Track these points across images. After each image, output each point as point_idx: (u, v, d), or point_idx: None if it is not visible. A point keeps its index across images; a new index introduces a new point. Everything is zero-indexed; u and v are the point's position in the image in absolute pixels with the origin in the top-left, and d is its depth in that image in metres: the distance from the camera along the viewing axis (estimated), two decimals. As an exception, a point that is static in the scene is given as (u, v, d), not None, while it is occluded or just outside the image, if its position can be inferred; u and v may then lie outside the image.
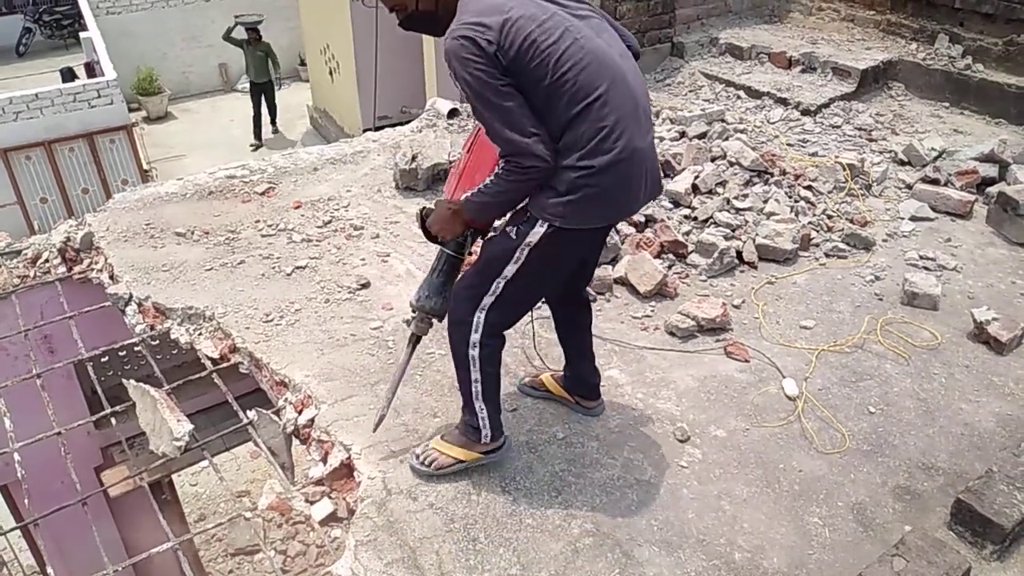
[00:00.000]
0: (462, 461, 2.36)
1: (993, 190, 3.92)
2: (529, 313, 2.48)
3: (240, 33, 11.30)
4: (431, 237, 2.22)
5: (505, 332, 2.29)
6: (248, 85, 12.01)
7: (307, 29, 12.19)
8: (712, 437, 2.60)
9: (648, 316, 3.18)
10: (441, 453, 2.37)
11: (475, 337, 2.19)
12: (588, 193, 1.99)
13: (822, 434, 2.61)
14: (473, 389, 2.27)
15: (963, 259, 3.58)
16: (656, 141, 4.35)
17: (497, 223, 2.33)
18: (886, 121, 4.75)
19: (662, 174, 2.20)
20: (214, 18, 14.30)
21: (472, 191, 2.08)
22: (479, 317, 2.17)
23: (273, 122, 12.42)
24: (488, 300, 2.16)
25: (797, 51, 5.27)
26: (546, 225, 2.04)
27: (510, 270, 2.11)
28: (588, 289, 2.63)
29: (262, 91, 11.79)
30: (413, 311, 2.34)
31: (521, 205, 2.11)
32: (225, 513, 6.34)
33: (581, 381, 2.64)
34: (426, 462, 2.37)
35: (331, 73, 11.46)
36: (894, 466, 2.50)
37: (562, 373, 2.69)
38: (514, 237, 2.09)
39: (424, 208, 2.22)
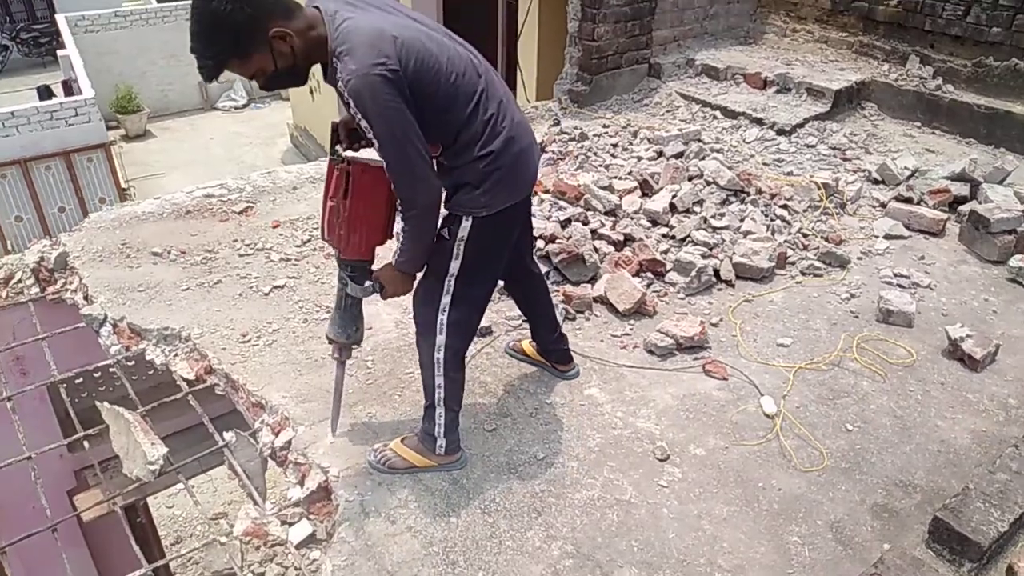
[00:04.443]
0: (415, 467, 2.46)
1: (965, 208, 3.99)
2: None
3: None
4: (388, 295, 2.35)
5: (471, 336, 2.45)
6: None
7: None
8: (692, 456, 2.60)
9: (627, 334, 3.19)
10: (396, 455, 2.47)
11: (440, 340, 2.32)
12: (498, 177, 2.16)
13: (800, 452, 2.62)
14: (436, 394, 2.39)
15: (937, 277, 3.63)
16: (634, 161, 4.44)
17: None
18: (860, 140, 4.82)
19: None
20: (194, 36, 14.26)
21: (396, 255, 2.23)
22: (441, 319, 2.31)
23: None
24: (446, 300, 2.29)
25: (772, 72, 5.34)
26: (471, 218, 2.20)
27: (454, 266, 2.25)
28: (536, 262, 2.77)
29: None
30: (340, 346, 2.46)
31: (447, 211, 2.24)
32: (202, 536, 6.24)
33: (550, 349, 2.87)
34: (381, 461, 2.47)
35: (312, 92, 11.47)
36: (872, 484, 2.51)
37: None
38: (447, 237, 2.24)
39: (375, 284, 2.33)
